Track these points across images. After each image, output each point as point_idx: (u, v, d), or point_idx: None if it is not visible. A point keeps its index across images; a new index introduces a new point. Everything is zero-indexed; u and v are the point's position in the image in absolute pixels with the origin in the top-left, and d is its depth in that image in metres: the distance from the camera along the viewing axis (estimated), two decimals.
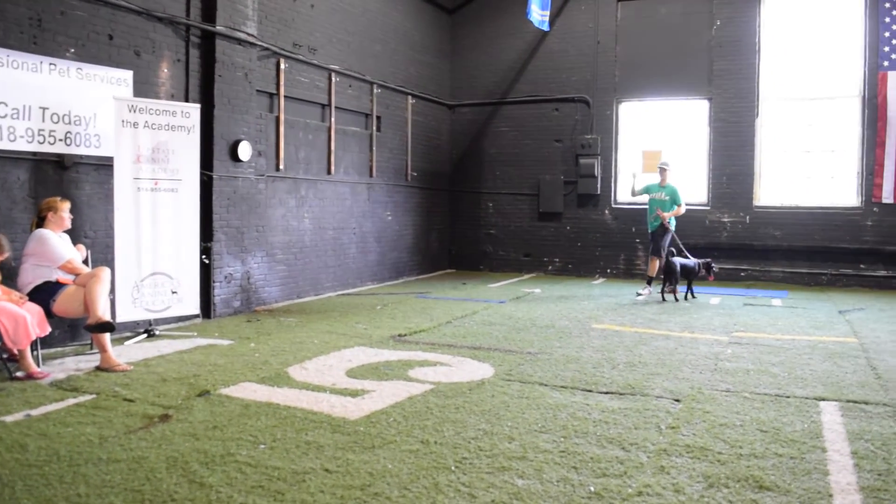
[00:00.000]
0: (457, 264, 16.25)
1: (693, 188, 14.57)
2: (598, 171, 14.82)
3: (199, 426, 4.94)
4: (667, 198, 12.06)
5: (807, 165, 13.97)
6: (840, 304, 11.22)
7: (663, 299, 11.59)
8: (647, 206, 12.64)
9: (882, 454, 4.50)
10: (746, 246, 14.00)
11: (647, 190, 12.23)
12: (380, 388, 5.94)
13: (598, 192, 14.92)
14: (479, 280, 14.26)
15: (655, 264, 12.25)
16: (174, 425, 4.96)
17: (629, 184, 12.35)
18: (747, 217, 14.02)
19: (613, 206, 15.01)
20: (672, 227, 12.11)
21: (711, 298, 11.84)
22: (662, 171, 12.17)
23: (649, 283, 12.29)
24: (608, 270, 14.98)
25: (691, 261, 11.89)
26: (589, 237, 14.99)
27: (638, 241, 14.02)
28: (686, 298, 11.75)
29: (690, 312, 10.31)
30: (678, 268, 11.61)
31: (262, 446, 4.55)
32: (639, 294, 12.07)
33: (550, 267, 15.46)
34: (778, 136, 14.14)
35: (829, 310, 10.69)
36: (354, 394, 5.75)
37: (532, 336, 8.35)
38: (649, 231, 12.32)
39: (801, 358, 7.29)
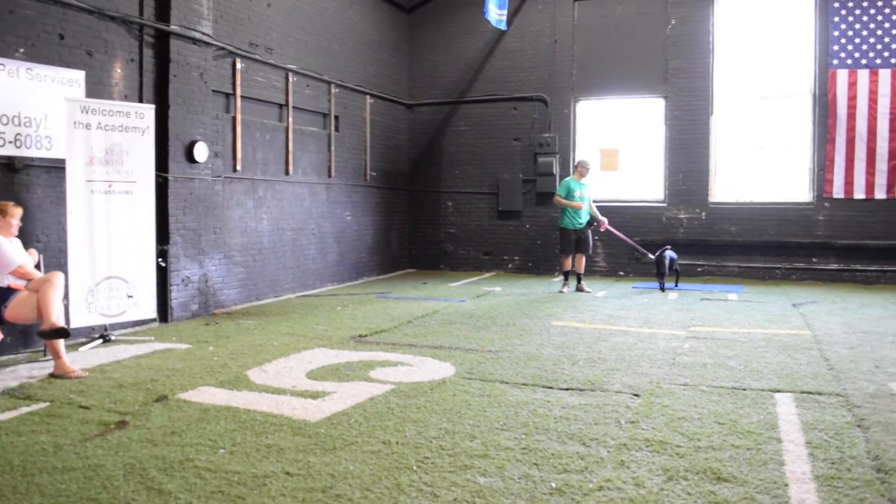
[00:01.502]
0: (417, 264, 16.25)
1: (650, 185, 14.76)
2: (556, 170, 14.92)
3: (157, 432, 4.87)
4: (588, 192, 12.38)
5: (760, 162, 14.23)
6: (794, 298, 11.44)
7: (663, 290, 12.39)
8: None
9: (835, 443, 4.59)
10: (703, 242, 14.21)
11: (569, 187, 12.24)
12: (340, 389, 5.91)
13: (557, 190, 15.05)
14: (439, 279, 14.27)
15: (579, 260, 12.52)
16: (131, 432, 4.89)
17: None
18: (703, 213, 14.22)
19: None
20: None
21: (669, 294, 11.99)
22: (589, 167, 12.43)
23: (579, 281, 12.51)
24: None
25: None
26: (548, 235, 15.08)
27: (597, 237, 14.13)
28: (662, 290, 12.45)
29: (649, 308, 10.43)
30: (667, 260, 12.50)
31: (222, 451, 4.50)
32: (566, 291, 12.22)
33: (510, 265, 15.53)
34: (732, 133, 14.37)
35: (783, 303, 10.89)
36: (315, 395, 5.72)
37: (492, 334, 8.37)
38: (578, 228, 12.29)
39: (756, 351, 7.42)
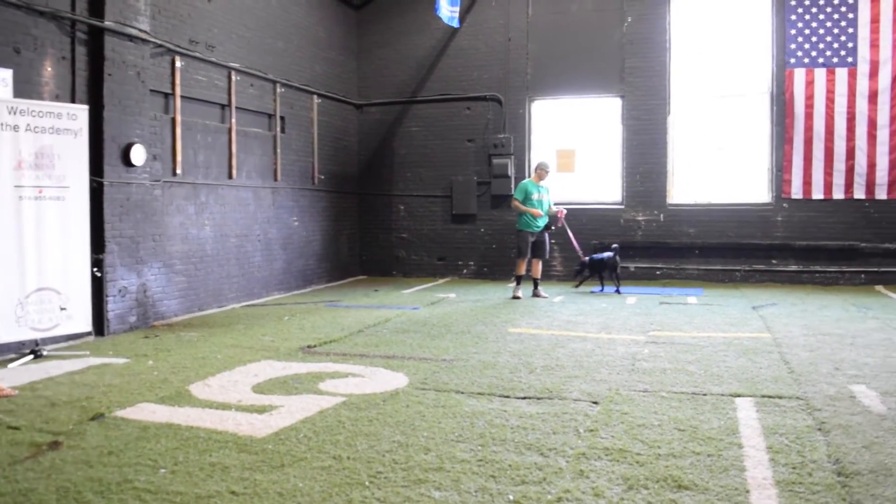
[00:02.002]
0: (368, 270, 16.20)
1: (607, 187, 14.92)
2: (511, 171, 15.00)
3: (93, 452, 4.77)
4: (547, 196, 12.54)
5: (719, 162, 14.48)
6: (753, 300, 11.66)
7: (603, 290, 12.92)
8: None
9: (796, 447, 4.69)
10: (661, 244, 14.41)
11: (527, 190, 12.33)
12: (288, 402, 5.86)
13: (513, 192, 15.09)
14: (391, 286, 14.25)
15: (536, 265, 12.69)
16: (65, 453, 4.78)
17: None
18: (661, 215, 14.43)
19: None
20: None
21: (628, 298, 12.13)
22: (547, 169, 12.57)
23: (536, 286, 12.65)
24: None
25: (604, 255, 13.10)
26: (504, 239, 15.16)
27: (554, 241, 14.24)
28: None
29: (607, 313, 10.53)
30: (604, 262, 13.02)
31: (163, 471, 4.43)
32: (519, 296, 12.30)
33: (465, 271, 15.57)
34: (690, 133, 14.61)
35: (743, 306, 11.09)
36: (261, 410, 5.66)
37: (447, 343, 8.38)
38: (536, 231, 12.39)
39: (716, 355, 7.54)
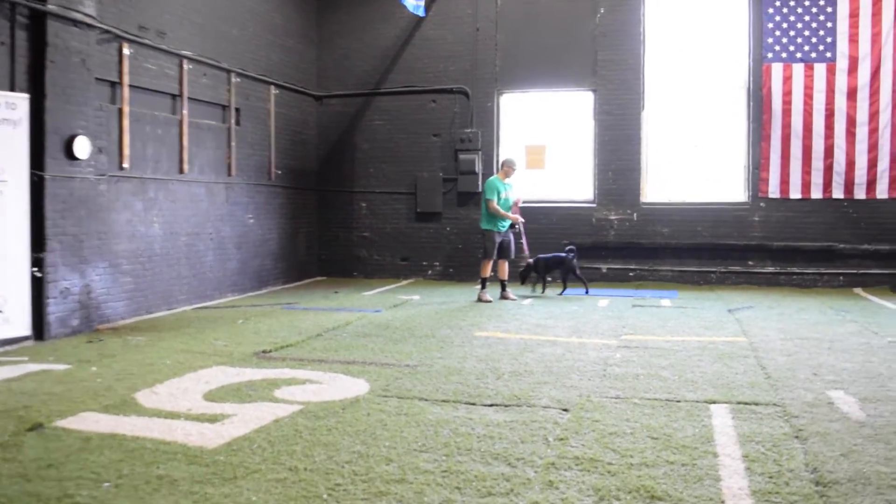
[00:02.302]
0: (327, 271, 16.13)
1: (579, 185, 15.00)
2: (479, 168, 15.03)
3: (31, 465, 4.68)
4: (513, 193, 12.62)
5: (694, 160, 14.63)
6: (729, 303, 11.79)
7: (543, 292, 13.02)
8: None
9: (772, 456, 4.74)
10: (634, 245, 14.52)
11: (497, 188, 12.37)
12: (242, 411, 5.81)
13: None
14: (352, 288, 14.20)
15: (502, 266, 12.76)
16: (0, 466, 4.69)
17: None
18: (635, 214, 14.53)
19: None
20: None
21: (600, 301, 12.20)
22: (514, 167, 12.65)
23: (504, 288, 12.71)
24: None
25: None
26: (471, 239, 15.16)
27: (523, 240, 14.25)
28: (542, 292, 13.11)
29: (578, 316, 10.59)
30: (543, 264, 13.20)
31: (107, 485, 4.36)
32: (486, 300, 12.30)
33: (430, 272, 15.56)
34: (664, 129, 14.74)
35: (718, 309, 11.21)
36: (213, 419, 5.60)
37: (410, 347, 8.36)
38: (502, 230, 12.43)
39: (691, 360, 7.60)
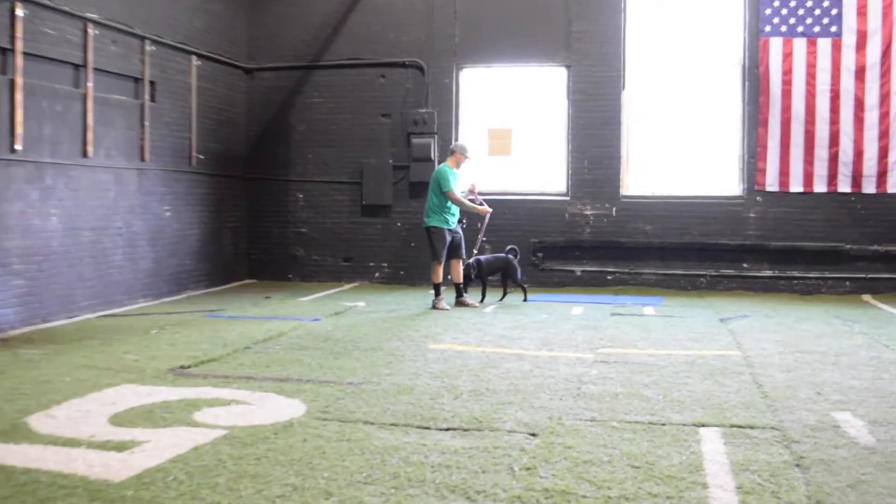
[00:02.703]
0: (258, 273, 16.03)
1: (550, 175, 15.06)
2: (434, 154, 15.02)
3: None
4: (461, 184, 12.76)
5: (682, 147, 14.77)
6: (721, 311, 11.91)
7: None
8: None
9: (770, 487, 4.77)
10: (613, 244, 14.62)
11: (452, 177, 12.43)
12: (156, 437, 5.73)
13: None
14: (286, 292, 14.14)
15: (456, 267, 12.73)
16: None
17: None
18: (614, 209, 14.63)
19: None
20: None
21: (573, 308, 12.26)
22: (467, 154, 12.70)
23: (460, 293, 12.73)
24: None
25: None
26: (425, 236, 15.07)
27: (485, 239, 14.30)
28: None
29: (548, 326, 10.62)
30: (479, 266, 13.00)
31: None
32: (442, 308, 12.27)
33: (377, 274, 15.53)
34: (648, 112, 14.87)
35: (708, 318, 11.32)
36: (121, 447, 5.51)
37: (354, 362, 8.33)
38: (452, 227, 12.48)
39: (677, 377, 7.65)
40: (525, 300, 12.95)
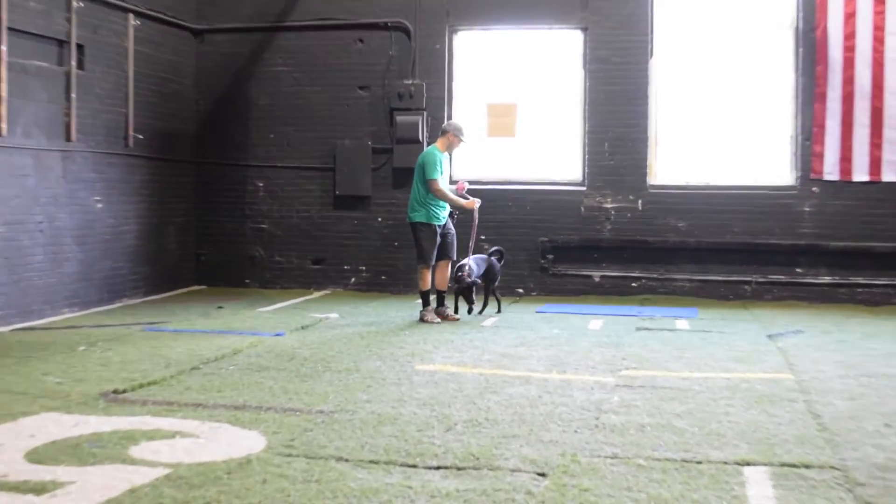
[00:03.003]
0: (209, 278, 16.04)
1: (562, 161, 15.06)
2: (423, 134, 15.02)
3: None
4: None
5: (722, 128, 14.76)
6: (769, 326, 11.91)
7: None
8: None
9: None
10: (639, 243, 14.63)
11: (440, 164, 12.29)
12: (83, 477, 5.69)
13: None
14: (244, 301, 14.16)
15: (443, 271, 12.63)
16: None
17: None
18: (640, 202, 14.63)
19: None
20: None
21: (591, 321, 12.26)
22: (461, 136, 12.55)
23: (442, 302, 12.63)
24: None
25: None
26: (411, 234, 15.07)
27: (483, 237, 14.29)
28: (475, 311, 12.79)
29: (561, 343, 10.60)
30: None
31: None
32: (432, 321, 12.25)
33: (354, 279, 15.53)
34: (682, 84, 14.87)
35: (754, 334, 11.32)
36: (40, 489, 5.47)
37: (325, 385, 8.31)
38: (441, 222, 12.38)
39: (716, 405, 7.63)
40: (499, 312, 12.94)
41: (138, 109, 14.36)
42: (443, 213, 12.30)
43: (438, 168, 12.12)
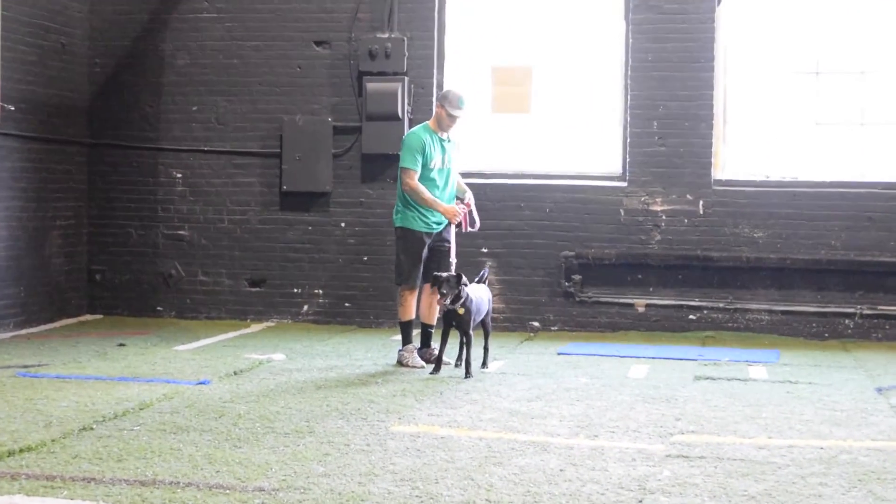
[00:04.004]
0: (107, 303, 16.09)
1: (595, 145, 15.08)
2: (405, 108, 15.06)
3: None
4: (455, 161, 12.53)
5: (815, 99, 14.80)
6: (879, 376, 11.93)
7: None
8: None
9: None
10: (699, 261, 14.66)
11: (423, 149, 12.23)
12: None
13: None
14: (154, 336, 14.18)
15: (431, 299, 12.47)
16: None
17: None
18: (701, 203, 14.65)
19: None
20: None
21: (632, 367, 12.28)
22: (451, 109, 12.26)
23: (427, 342, 12.60)
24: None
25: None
26: (385, 244, 15.07)
27: (485, 248, 14.29)
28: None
29: (590, 396, 10.62)
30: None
31: None
32: (415, 365, 12.23)
33: (307, 307, 15.55)
34: (762, 41, 14.90)
35: (858, 386, 11.33)
36: None
37: (267, 453, 8.30)
38: (433, 229, 12.31)
39: (805, 483, 7.63)
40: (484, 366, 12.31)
41: (7, 70, 14.37)
42: (432, 218, 12.25)
43: (418, 154, 12.09)
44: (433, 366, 11.99)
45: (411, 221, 12.20)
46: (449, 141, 12.37)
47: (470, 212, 12.47)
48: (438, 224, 12.28)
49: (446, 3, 15.45)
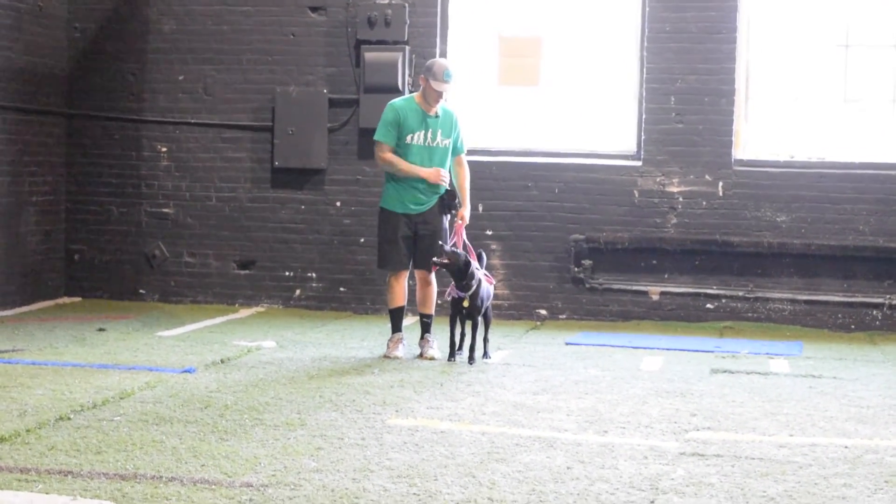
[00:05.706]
0: (86, 286, 16.12)
1: (607, 121, 15.08)
2: (405, 79, 15.07)
3: None
4: (447, 140, 12.35)
5: (845, 79, 14.80)
6: None
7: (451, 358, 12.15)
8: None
9: None
10: (718, 246, 14.70)
11: (398, 122, 12.21)
12: None
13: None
14: (137, 320, 14.24)
15: (423, 287, 12.50)
16: None
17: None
18: (720, 184, 14.65)
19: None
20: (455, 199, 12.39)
21: (645, 358, 12.32)
22: (435, 82, 12.20)
23: (427, 329, 12.55)
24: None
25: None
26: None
27: (489, 230, 14.30)
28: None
29: (600, 390, 10.64)
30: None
31: None
32: (392, 356, 12.24)
33: (300, 291, 15.58)
34: (788, 11, 14.88)
35: (885, 381, 11.36)
36: None
37: (255, 447, 8.33)
38: (417, 210, 12.24)
39: (828, 484, 7.63)
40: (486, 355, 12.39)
41: None
42: (419, 197, 12.17)
43: (391, 127, 12.12)
44: (449, 352, 12.06)
45: (388, 201, 12.24)
46: (437, 116, 12.24)
47: (465, 243, 12.21)
48: (417, 205, 12.18)
49: None
